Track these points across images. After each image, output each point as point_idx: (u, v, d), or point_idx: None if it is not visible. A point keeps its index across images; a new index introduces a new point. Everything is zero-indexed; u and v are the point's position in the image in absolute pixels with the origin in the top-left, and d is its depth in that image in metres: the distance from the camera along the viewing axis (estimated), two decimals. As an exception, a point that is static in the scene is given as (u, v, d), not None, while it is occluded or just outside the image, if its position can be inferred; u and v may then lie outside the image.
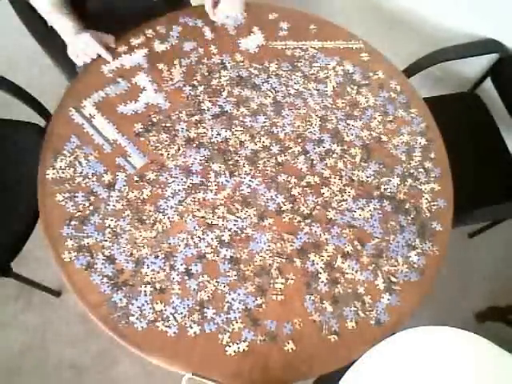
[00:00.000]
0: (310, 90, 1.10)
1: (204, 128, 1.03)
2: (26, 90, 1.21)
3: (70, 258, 0.89)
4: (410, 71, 1.25)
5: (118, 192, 0.95)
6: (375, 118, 1.08)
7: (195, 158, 1.00)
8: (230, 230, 0.93)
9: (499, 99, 1.37)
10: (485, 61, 1.38)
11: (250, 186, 0.98)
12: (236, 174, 0.99)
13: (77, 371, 1.44)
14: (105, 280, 0.88)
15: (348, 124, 1.07)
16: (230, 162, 1.00)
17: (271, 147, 1.02)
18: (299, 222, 0.96)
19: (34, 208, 0.95)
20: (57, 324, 1.49)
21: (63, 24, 1.08)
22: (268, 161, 1.01)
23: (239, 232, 0.93)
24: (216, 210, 0.95)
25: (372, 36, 1.21)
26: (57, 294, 1.51)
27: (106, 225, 0.92)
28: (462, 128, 1.34)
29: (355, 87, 1.11)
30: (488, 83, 1.40)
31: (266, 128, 1.04)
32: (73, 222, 0.92)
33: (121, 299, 0.87)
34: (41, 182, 0.96)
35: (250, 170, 1.00)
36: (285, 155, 1.02)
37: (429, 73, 1.30)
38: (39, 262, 1.46)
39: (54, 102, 1.06)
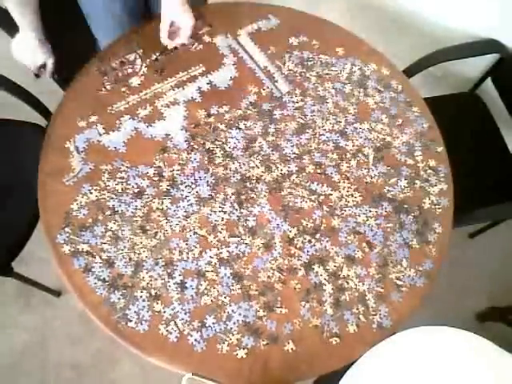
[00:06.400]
0: (327, 89, 1.10)
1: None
2: (26, 90, 1.20)
3: (70, 259, 0.89)
4: (410, 71, 1.25)
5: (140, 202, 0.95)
6: (381, 120, 1.08)
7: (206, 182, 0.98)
8: (231, 253, 0.92)
9: (499, 99, 1.37)
10: (485, 61, 1.38)
11: (258, 214, 0.96)
12: (246, 205, 0.97)
13: (77, 371, 1.44)
14: (101, 282, 0.88)
15: (355, 128, 1.07)
16: (243, 196, 0.97)
17: (289, 169, 1.01)
18: (309, 240, 0.95)
19: (35, 208, 0.95)
20: (57, 324, 1.49)
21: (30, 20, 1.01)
22: (285, 188, 0.99)
23: (241, 255, 0.92)
24: (218, 233, 0.94)
25: (372, 36, 1.21)
26: (57, 294, 1.51)
27: (109, 227, 0.92)
28: (462, 128, 1.34)
29: (362, 89, 1.11)
30: (488, 83, 1.40)
31: (285, 154, 1.02)
32: (73, 224, 0.92)
33: (119, 299, 0.87)
34: (41, 182, 0.96)
35: (265, 200, 0.98)
36: (299, 177, 1.00)
37: (429, 73, 1.30)
38: (39, 261, 1.46)
39: (54, 102, 1.06)
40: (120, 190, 0.95)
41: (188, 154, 1.00)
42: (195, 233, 0.93)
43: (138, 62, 1.09)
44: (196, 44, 1.13)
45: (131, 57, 1.09)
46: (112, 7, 1.14)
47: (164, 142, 1.01)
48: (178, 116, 1.04)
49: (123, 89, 1.05)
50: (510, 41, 1.28)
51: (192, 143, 1.01)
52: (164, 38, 1.05)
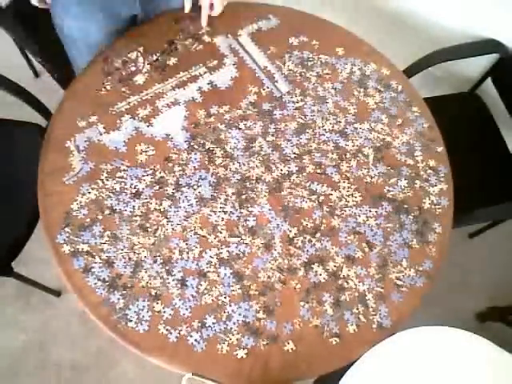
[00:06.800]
0: (327, 90, 1.10)
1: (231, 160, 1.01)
2: (26, 89, 1.20)
3: (70, 259, 0.89)
4: (410, 71, 1.25)
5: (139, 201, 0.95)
6: (381, 120, 1.08)
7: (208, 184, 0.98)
8: (231, 253, 0.92)
9: (499, 99, 1.37)
10: (485, 61, 1.38)
11: (258, 215, 0.96)
12: (246, 205, 0.97)
13: (77, 371, 1.44)
14: (101, 283, 0.88)
15: (355, 128, 1.07)
16: (243, 196, 0.97)
17: (289, 169, 1.01)
18: (309, 240, 0.95)
19: (35, 208, 0.95)
20: (57, 324, 1.49)
21: None
22: (285, 188, 0.99)
23: (241, 255, 0.92)
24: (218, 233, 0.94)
25: (372, 36, 1.21)
26: (57, 293, 1.51)
27: (108, 227, 0.92)
28: (462, 128, 1.35)
29: (362, 89, 1.11)
30: (488, 83, 1.40)
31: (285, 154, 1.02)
32: (73, 224, 0.92)
33: (119, 299, 0.87)
34: (41, 182, 0.96)
35: (267, 200, 0.97)
36: (299, 177, 1.00)
37: (429, 73, 1.30)
38: (39, 261, 1.46)
39: (54, 102, 1.06)
40: (118, 189, 0.95)
41: (188, 154, 1.00)
42: (196, 233, 0.93)
43: (140, 59, 1.09)
44: (196, 44, 1.13)
45: (133, 55, 1.09)
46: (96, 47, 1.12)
47: (164, 142, 1.01)
48: (178, 116, 1.04)
49: (123, 89, 1.05)
50: (510, 41, 1.28)
51: (192, 143, 1.01)
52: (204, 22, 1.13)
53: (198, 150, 1.01)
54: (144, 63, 1.08)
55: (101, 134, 1.00)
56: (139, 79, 1.07)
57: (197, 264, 0.91)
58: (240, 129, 1.04)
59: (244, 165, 1.00)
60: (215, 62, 1.11)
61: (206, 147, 1.01)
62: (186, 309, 0.87)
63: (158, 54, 1.10)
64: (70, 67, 1.24)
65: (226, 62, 1.12)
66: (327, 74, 1.12)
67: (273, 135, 1.04)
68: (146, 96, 1.05)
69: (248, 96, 1.08)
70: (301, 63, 1.13)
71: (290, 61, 1.13)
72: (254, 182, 0.99)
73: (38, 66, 1.75)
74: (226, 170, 0.99)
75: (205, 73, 1.10)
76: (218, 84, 1.09)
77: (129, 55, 1.09)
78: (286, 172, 1.00)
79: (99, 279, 0.88)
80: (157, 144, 1.01)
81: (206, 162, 1.00)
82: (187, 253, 0.91)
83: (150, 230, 0.92)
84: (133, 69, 1.08)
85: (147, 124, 1.03)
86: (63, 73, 1.22)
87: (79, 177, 0.96)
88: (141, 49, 1.10)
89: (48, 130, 1.00)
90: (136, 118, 1.03)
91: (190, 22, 1.15)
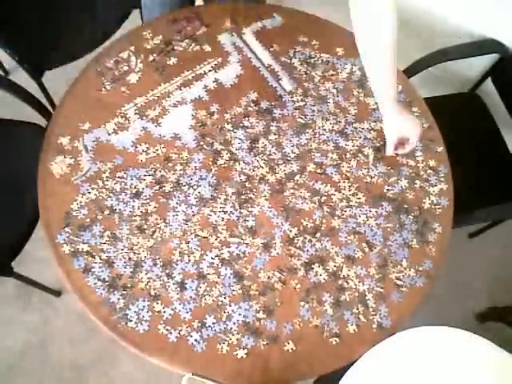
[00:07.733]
0: (328, 89, 1.10)
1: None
2: (26, 89, 1.20)
3: (70, 259, 0.89)
4: (410, 71, 1.25)
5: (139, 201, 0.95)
6: (381, 120, 1.08)
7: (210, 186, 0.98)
8: (232, 253, 0.92)
9: (499, 99, 1.37)
10: (485, 61, 1.38)
11: (258, 215, 0.96)
12: (246, 205, 0.97)
13: (77, 371, 1.44)
14: (101, 283, 0.88)
15: (355, 128, 1.07)
16: (243, 197, 0.97)
17: (292, 170, 1.01)
18: (310, 240, 0.95)
19: (35, 208, 0.95)
20: (57, 324, 1.49)
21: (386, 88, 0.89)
22: (286, 189, 0.99)
23: (241, 255, 0.92)
24: (219, 234, 0.94)
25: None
26: (57, 293, 1.51)
27: (108, 227, 0.92)
28: (462, 128, 1.34)
29: (362, 89, 1.11)
30: (488, 83, 1.40)
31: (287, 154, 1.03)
32: (73, 224, 0.92)
33: (119, 299, 0.87)
34: (41, 182, 0.96)
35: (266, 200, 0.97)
36: (300, 177, 1.00)
37: (429, 73, 1.30)
38: (39, 261, 1.46)
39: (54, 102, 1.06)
40: (118, 189, 0.95)
41: (194, 153, 1.00)
42: (196, 235, 0.93)
43: (133, 59, 1.09)
44: (193, 45, 1.13)
45: (125, 55, 1.10)
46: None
47: (173, 142, 1.01)
48: (185, 115, 1.04)
49: (123, 88, 1.05)
50: (510, 41, 1.28)
51: (202, 143, 1.01)
52: (390, 153, 1.03)
53: (207, 150, 1.01)
54: (136, 62, 1.08)
55: (109, 134, 1.00)
56: (132, 78, 1.07)
57: (197, 265, 0.90)
58: (245, 127, 1.04)
59: (248, 165, 1.00)
60: (220, 60, 1.11)
61: (215, 147, 1.01)
62: (187, 312, 0.87)
63: (154, 55, 1.10)
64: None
65: (231, 59, 1.12)
66: (328, 73, 1.12)
67: (275, 134, 1.04)
68: (152, 96, 1.05)
69: (252, 94, 1.08)
70: (305, 62, 1.13)
71: (294, 59, 1.13)
72: (256, 182, 0.99)
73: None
74: (230, 170, 0.99)
75: (209, 71, 1.10)
76: (223, 82, 1.09)
77: (120, 55, 1.09)
78: (288, 172, 1.00)
79: (99, 279, 0.88)
80: (165, 143, 1.01)
81: (210, 163, 1.00)
82: (188, 255, 0.91)
83: (147, 231, 0.92)
84: (125, 68, 1.08)
85: (155, 124, 1.03)
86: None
87: (87, 176, 0.96)
88: (132, 48, 1.10)
89: (48, 130, 1.00)
90: (144, 117, 1.03)
91: (186, 23, 1.15)
